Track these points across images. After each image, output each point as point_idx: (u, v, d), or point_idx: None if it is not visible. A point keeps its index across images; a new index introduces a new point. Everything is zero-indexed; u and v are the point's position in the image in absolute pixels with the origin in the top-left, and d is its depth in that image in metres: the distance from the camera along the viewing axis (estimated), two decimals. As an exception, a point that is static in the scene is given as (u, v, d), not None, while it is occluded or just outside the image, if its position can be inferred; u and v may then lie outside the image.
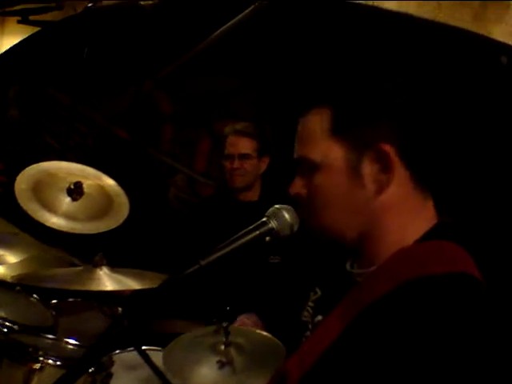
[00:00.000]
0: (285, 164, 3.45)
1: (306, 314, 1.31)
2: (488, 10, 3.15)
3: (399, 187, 1.09)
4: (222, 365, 2.18)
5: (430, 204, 1.15)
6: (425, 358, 0.96)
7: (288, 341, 1.38)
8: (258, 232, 1.22)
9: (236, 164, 2.89)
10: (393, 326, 1.00)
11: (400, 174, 1.09)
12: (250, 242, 1.21)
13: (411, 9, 3.35)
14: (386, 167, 1.08)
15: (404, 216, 1.11)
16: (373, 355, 1.00)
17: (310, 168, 1.14)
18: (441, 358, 0.96)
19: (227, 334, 2.20)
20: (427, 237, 1.11)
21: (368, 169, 1.09)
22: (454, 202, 1.24)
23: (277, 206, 1.25)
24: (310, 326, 1.28)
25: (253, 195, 2.98)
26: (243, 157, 2.90)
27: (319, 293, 1.31)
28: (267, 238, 1.23)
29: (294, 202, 1.22)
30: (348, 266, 1.21)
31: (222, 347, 2.21)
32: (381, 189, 1.09)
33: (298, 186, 1.18)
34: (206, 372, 2.16)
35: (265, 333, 2.33)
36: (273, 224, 1.22)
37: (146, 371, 2.45)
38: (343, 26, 2.91)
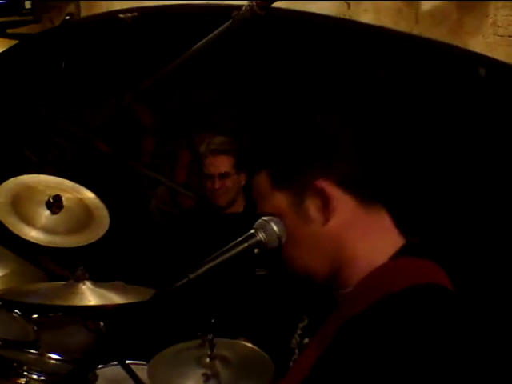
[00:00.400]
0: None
1: (293, 341, 1.36)
2: (464, 23, 3.20)
3: (345, 213, 1.20)
4: (207, 378, 2.18)
5: (384, 218, 1.25)
6: (396, 368, 1.03)
7: (276, 363, 1.43)
8: (246, 244, 1.23)
9: (217, 184, 2.92)
10: (370, 339, 1.06)
11: (343, 200, 1.21)
12: (239, 255, 1.22)
13: (388, 23, 3.40)
14: (325, 201, 1.20)
15: (361, 236, 1.21)
16: (351, 368, 1.06)
17: None
18: (410, 365, 1.03)
19: (212, 346, 2.20)
20: (399, 254, 1.21)
21: (312, 207, 1.21)
22: (411, 217, 1.32)
23: (264, 217, 1.25)
24: (296, 352, 1.33)
25: (237, 207, 2.99)
26: (223, 176, 2.93)
27: (306, 321, 1.36)
28: (256, 250, 1.24)
29: None
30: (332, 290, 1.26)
31: (207, 360, 2.21)
32: (327, 219, 1.20)
33: None
34: (192, 385, 2.15)
35: (250, 345, 2.33)
36: (261, 236, 1.23)
37: (129, 386, 2.45)
38: (319, 40, 2.93)
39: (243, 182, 2.99)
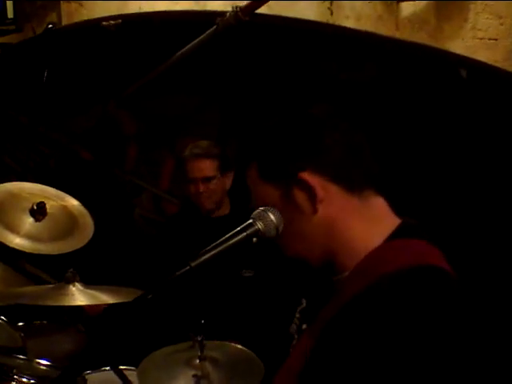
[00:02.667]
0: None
1: (293, 326, 1.38)
2: (444, 28, 3.27)
3: (332, 200, 1.23)
4: (197, 379, 2.17)
5: (377, 202, 1.27)
6: (394, 349, 1.04)
7: (272, 352, 1.42)
8: (245, 234, 1.25)
9: (201, 188, 2.92)
10: (361, 324, 1.08)
11: (330, 190, 1.23)
12: (238, 244, 1.24)
13: (368, 29, 3.45)
14: (310, 191, 1.23)
15: (353, 222, 1.24)
16: (344, 355, 1.07)
17: None
18: (406, 346, 1.04)
19: (202, 347, 2.19)
20: (393, 237, 1.22)
21: (300, 197, 1.24)
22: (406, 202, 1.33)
23: (262, 207, 1.27)
24: (295, 337, 1.34)
25: (222, 210, 3.00)
26: (207, 180, 2.93)
27: (304, 303, 1.38)
28: (254, 240, 1.25)
29: None
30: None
31: (197, 361, 2.20)
32: (316, 209, 1.23)
33: None
34: (183, 387, 2.14)
35: (240, 346, 2.32)
36: (259, 225, 1.25)
37: (118, 390, 2.43)
38: (302, 45, 2.96)
39: (228, 185, 2.99)
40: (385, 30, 3.45)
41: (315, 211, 1.23)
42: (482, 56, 3.08)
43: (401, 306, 1.08)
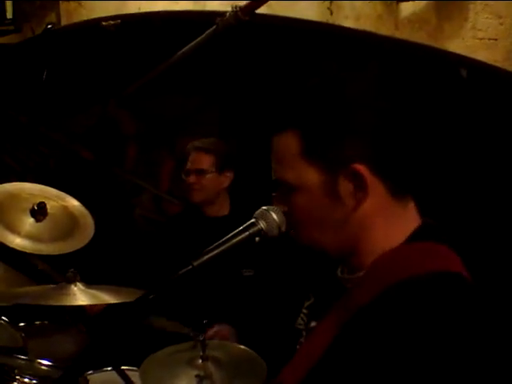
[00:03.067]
0: (252, 178, 3.48)
1: (300, 321, 1.33)
2: (444, 27, 3.26)
3: (376, 199, 1.13)
4: (200, 379, 2.16)
5: (410, 207, 1.18)
6: (412, 358, 0.99)
7: (278, 350, 1.40)
8: (247, 233, 1.24)
9: (192, 179, 2.94)
10: (380, 331, 1.03)
11: (376, 187, 1.13)
12: (240, 243, 1.23)
13: (368, 29, 3.45)
14: (360, 185, 1.11)
15: (385, 224, 1.15)
16: (362, 361, 1.03)
17: (289, 189, 1.18)
18: (425, 355, 0.99)
19: (204, 347, 2.19)
20: (411, 239, 1.15)
21: (344, 188, 1.12)
22: (435, 205, 1.28)
23: (264, 207, 1.27)
24: (304, 333, 1.30)
25: (221, 210, 3.00)
26: (200, 172, 2.95)
27: (312, 299, 1.34)
28: (256, 239, 1.25)
29: None
30: (339, 273, 1.24)
31: (200, 361, 2.20)
32: (358, 204, 1.13)
33: (277, 203, 1.23)
34: (185, 387, 2.14)
35: (242, 346, 2.32)
36: (262, 225, 1.24)
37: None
38: (302, 45, 2.97)
39: (225, 184, 3.00)
40: (384, 29, 3.45)
41: (355, 208, 1.13)
42: (482, 56, 3.07)
43: (419, 313, 1.02)
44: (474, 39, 3.29)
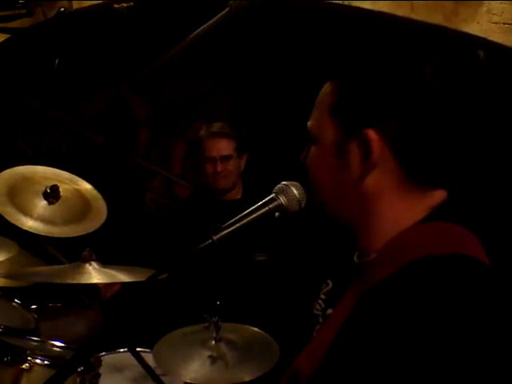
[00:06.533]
0: (264, 161, 3.46)
1: (317, 306, 1.30)
2: (460, 11, 3.22)
3: (386, 175, 1.08)
4: (213, 360, 2.17)
5: (431, 196, 1.11)
6: (424, 341, 0.94)
7: (293, 335, 1.37)
8: (267, 208, 1.21)
9: (219, 167, 2.89)
10: (391, 313, 0.98)
11: (387, 163, 1.07)
12: (260, 218, 1.21)
13: (385, 11, 3.41)
14: (367, 154, 1.07)
15: (397, 205, 1.09)
16: (374, 342, 0.98)
17: (312, 140, 1.15)
18: (439, 340, 0.94)
19: (218, 328, 2.19)
20: (428, 219, 1.09)
21: (353, 154, 1.08)
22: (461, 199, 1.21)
23: (284, 182, 1.25)
24: (320, 320, 1.27)
25: (235, 194, 2.98)
26: (225, 158, 2.90)
27: (331, 285, 1.30)
28: (276, 214, 1.23)
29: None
30: (355, 258, 1.20)
31: (213, 342, 2.20)
32: (363, 174, 1.08)
33: (303, 156, 1.19)
34: (199, 367, 2.14)
35: (256, 328, 2.32)
36: (282, 200, 1.22)
37: (132, 372, 2.44)
38: (317, 28, 2.94)
39: (242, 167, 2.98)
40: (401, 12, 3.40)
41: (361, 178, 1.08)
42: (498, 40, 3.04)
43: (430, 296, 0.96)
44: (490, 23, 3.25)
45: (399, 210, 1.09)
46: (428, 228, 1.08)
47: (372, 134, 1.06)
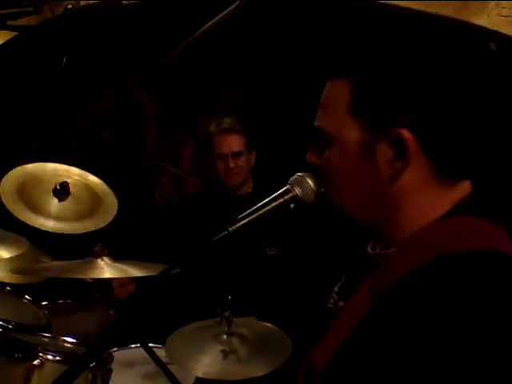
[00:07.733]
0: (274, 157, 3.44)
1: (331, 300, 1.28)
2: (469, 4, 3.21)
3: (416, 173, 1.04)
4: (225, 354, 2.16)
5: (456, 190, 1.08)
6: (448, 340, 0.90)
7: (306, 329, 1.35)
8: (282, 199, 1.17)
9: (231, 163, 2.86)
10: (413, 310, 0.94)
11: (419, 161, 1.03)
12: (275, 210, 1.18)
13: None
14: (401, 153, 1.02)
15: (423, 200, 1.07)
16: (394, 339, 0.95)
17: (326, 140, 1.11)
18: (463, 339, 0.90)
19: (230, 323, 2.18)
20: (453, 213, 1.05)
21: (382, 153, 1.04)
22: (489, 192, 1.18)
23: (299, 173, 1.23)
24: (334, 313, 1.24)
25: (246, 188, 2.97)
26: (237, 155, 2.88)
27: (343, 278, 1.28)
28: (291, 206, 1.21)
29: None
30: (369, 249, 1.18)
31: (225, 337, 2.20)
32: (395, 175, 1.04)
33: (312, 156, 1.16)
34: (211, 361, 2.13)
35: (268, 324, 2.31)
36: (297, 191, 1.19)
37: (143, 368, 2.44)
38: (328, 23, 2.92)
39: (252, 163, 2.97)
40: (411, 5, 3.39)
41: (392, 180, 1.04)
42: (507, 33, 3.03)
43: (456, 295, 0.92)
44: (499, 16, 3.24)
45: (425, 205, 1.07)
46: (454, 222, 1.05)
47: (406, 132, 1.01)
